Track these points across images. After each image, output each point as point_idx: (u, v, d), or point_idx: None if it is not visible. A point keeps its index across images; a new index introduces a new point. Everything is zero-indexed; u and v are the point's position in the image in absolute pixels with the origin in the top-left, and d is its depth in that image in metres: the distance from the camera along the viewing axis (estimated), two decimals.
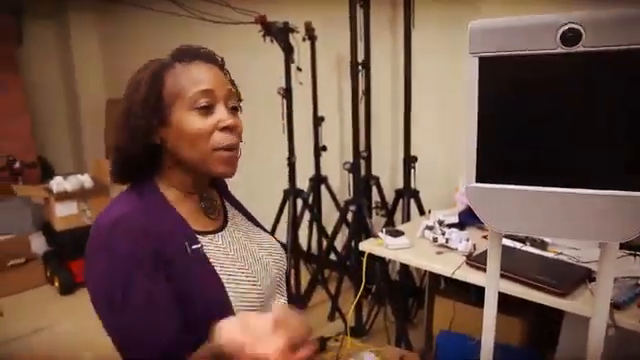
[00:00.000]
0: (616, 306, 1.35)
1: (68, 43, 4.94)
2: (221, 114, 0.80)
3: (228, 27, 2.57)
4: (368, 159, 2.69)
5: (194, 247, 0.78)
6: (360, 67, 2.41)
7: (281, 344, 0.60)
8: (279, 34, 2.39)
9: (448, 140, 2.67)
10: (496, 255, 1.07)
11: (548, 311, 1.63)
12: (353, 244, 2.61)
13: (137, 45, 4.67)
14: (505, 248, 1.74)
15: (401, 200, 2.55)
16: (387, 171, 2.93)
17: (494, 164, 0.93)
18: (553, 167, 0.89)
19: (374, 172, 2.78)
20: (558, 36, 0.82)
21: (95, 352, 2.54)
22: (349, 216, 2.63)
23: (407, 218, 2.49)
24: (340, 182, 3.21)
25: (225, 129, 0.79)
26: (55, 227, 3.24)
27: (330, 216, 3.16)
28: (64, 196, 3.20)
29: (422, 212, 2.51)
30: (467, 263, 1.66)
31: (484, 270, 1.58)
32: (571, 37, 0.81)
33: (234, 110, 0.83)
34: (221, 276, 0.78)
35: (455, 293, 2.13)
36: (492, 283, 1.10)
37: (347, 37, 2.37)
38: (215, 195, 0.94)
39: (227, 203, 0.96)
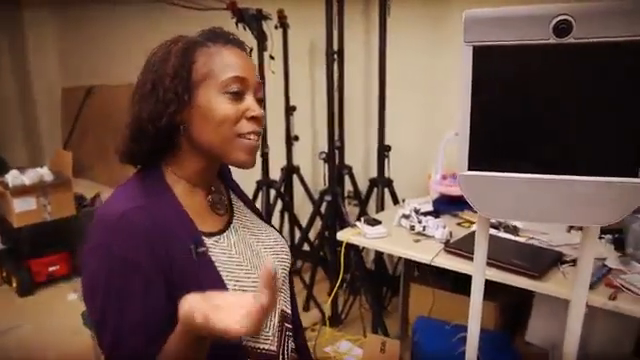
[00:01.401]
0: None
1: (21, 30, 4.68)
2: (250, 103, 0.77)
3: (199, 14, 2.50)
4: (341, 149, 2.70)
5: (200, 250, 0.75)
6: (335, 56, 2.40)
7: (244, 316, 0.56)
8: (252, 21, 2.34)
9: (421, 129, 2.71)
10: (484, 241, 1.10)
11: (517, 293, 1.69)
12: (327, 234, 2.63)
13: (96, 31, 4.48)
14: None
15: (375, 189, 2.58)
16: (360, 160, 2.95)
17: (485, 152, 0.95)
18: (542, 154, 0.92)
19: (347, 162, 2.79)
20: (551, 27, 0.84)
21: (58, 352, 2.45)
22: (323, 206, 2.64)
23: (381, 207, 2.51)
24: (312, 172, 3.21)
25: (252, 119, 0.77)
26: (13, 223, 3.07)
27: (302, 206, 3.15)
28: (21, 190, 3.02)
29: (396, 201, 2.54)
30: (445, 250, 1.70)
31: (462, 257, 1.64)
32: (563, 28, 0.84)
33: (259, 102, 0.81)
34: (227, 282, 0.76)
35: (430, 280, 2.18)
36: (479, 269, 1.13)
37: (320, 25, 2.35)
38: (222, 187, 0.91)
39: (233, 195, 0.93)
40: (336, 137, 2.60)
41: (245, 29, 2.42)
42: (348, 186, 2.84)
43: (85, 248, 0.73)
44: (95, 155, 4.43)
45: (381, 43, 2.34)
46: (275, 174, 2.95)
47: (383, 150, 2.47)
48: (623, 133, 0.86)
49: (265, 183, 2.79)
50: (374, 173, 2.61)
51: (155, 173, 0.80)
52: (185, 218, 0.77)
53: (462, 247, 1.67)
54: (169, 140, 0.78)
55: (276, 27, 2.63)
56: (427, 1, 2.53)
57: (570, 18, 0.83)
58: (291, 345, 0.89)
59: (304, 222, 2.99)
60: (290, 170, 3.02)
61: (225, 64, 0.76)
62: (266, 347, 0.82)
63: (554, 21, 0.84)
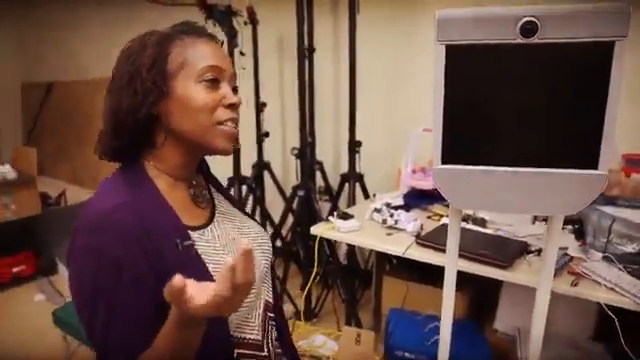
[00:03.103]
0: None
1: None
2: (226, 91, 0.79)
3: (167, 9, 2.46)
4: (312, 144, 2.72)
5: (186, 244, 0.75)
6: (306, 52, 2.42)
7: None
8: (221, 17, 2.33)
9: (390, 125, 2.76)
10: (456, 232, 1.14)
11: (485, 283, 1.76)
12: (300, 229, 2.65)
13: (58, 26, 4.34)
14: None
15: (346, 184, 2.61)
16: (330, 156, 2.98)
17: (458, 146, 0.99)
18: (510, 148, 0.97)
19: (317, 157, 2.82)
20: (518, 27, 0.89)
21: (26, 354, 2.38)
22: (294, 201, 2.66)
23: (353, 202, 2.55)
24: (282, 168, 3.22)
25: (229, 106, 0.79)
26: None
27: (273, 202, 3.16)
28: None
29: (367, 196, 2.59)
30: (417, 242, 1.75)
31: (434, 248, 1.69)
32: (529, 29, 0.88)
33: (234, 90, 0.83)
34: (214, 274, 0.76)
35: (401, 273, 2.24)
36: (452, 258, 1.17)
37: (288, 21, 2.36)
38: (202, 181, 0.92)
39: (213, 189, 0.94)
40: (307, 133, 2.62)
41: (215, 25, 2.40)
42: (319, 182, 2.87)
43: (71, 247, 0.72)
44: (57, 152, 4.31)
45: (351, 40, 2.37)
46: (246, 170, 2.94)
47: (354, 145, 2.51)
48: (585, 128, 0.91)
49: (237, 179, 2.78)
50: (345, 169, 2.64)
51: (136, 168, 0.80)
52: (170, 212, 0.77)
53: (433, 239, 1.72)
54: (148, 133, 0.79)
55: (245, 23, 2.62)
56: (395, 0, 2.58)
57: (535, 20, 0.88)
58: (274, 334, 0.91)
59: (276, 217, 3.00)
60: (261, 166, 3.02)
61: (199, 54, 0.77)
62: (252, 337, 0.84)
63: (521, 22, 0.88)
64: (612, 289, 1.41)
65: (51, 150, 4.27)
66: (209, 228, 0.83)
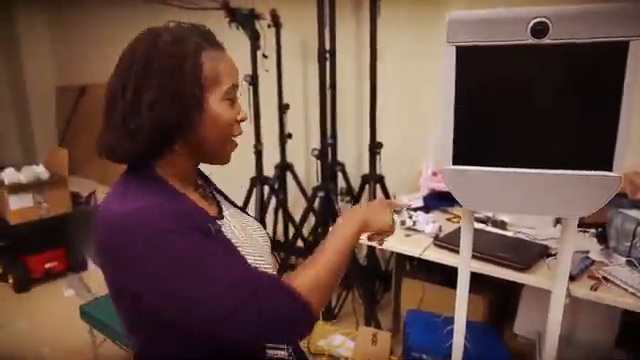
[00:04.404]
0: (570, 277, 1.47)
1: (13, 28, 4.68)
2: (240, 107, 0.84)
3: (192, 13, 2.52)
4: (334, 146, 2.74)
5: (217, 228, 0.79)
6: (327, 55, 2.44)
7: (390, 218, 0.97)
8: (245, 21, 2.37)
9: (411, 125, 2.76)
10: (469, 233, 1.14)
11: (505, 287, 1.74)
12: (320, 230, 2.67)
13: (90, 30, 4.49)
14: None
15: (367, 185, 2.62)
16: (352, 157, 2.99)
17: (468, 147, 0.99)
18: (522, 150, 0.96)
19: (339, 158, 2.83)
20: (529, 28, 0.88)
21: (53, 348, 2.48)
22: (316, 202, 2.68)
23: None
24: (305, 169, 3.24)
25: (241, 120, 0.84)
26: (8, 220, 3.09)
27: (296, 203, 3.19)
28: (18, 188, 3.06)
29: (387, 197, 2.59)
30: (435, 244, 1.74)
31: (451, 250, 1.69)
32: (540, 30, 0.88)
33: None
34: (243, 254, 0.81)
35: (421, 274, 2.23)
36: (465, 260, 1.17)
37: (312, 23, 2.39)
38: (204, 183, 0.96)
39: (213, 190, 0.99)
40: (329, 134, 2.64)
41: (238, 28, 2.45)
42: (341, 183, 2.88)
43: (126, 255, 0.70)
44: (88, 153, 4.44)
45: (372, 42, 2.38)
46: (269, 171, 2.98)
47: (375, 147, 2.52)
48: (599, 129, 0.90)
49: (259, 180, 2.82)
50: (366, 170, 2.65)
51: (149, 173, 0.80)
52: (195, 206, 0.81)
53: (451, 241, 1.72)
54: (168, 141, 0.78)
55: (269, 26, 2.66)
56: (416, 2, 2.58)
57: (547, 20, 0.87)
58: None
59: (298, 218, 3.03)
60: (284, 167, 3.06)
61: (227, 71, 0.80)
62: None
63: (532, 23, 0.88)
64: (634, 294, 1.38)
65: (83, 151, 4.41)
66: (224, 220, 0.88)
